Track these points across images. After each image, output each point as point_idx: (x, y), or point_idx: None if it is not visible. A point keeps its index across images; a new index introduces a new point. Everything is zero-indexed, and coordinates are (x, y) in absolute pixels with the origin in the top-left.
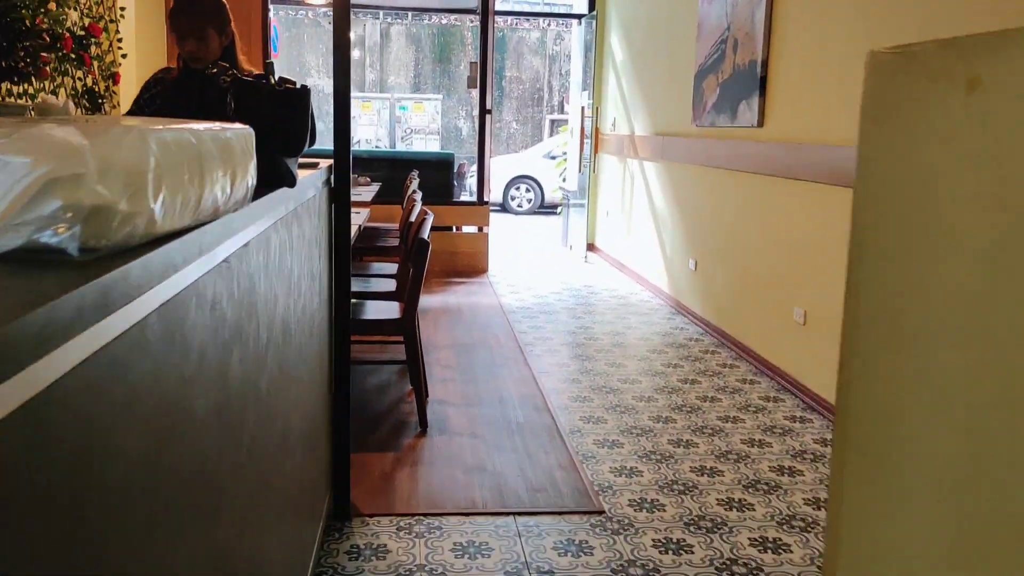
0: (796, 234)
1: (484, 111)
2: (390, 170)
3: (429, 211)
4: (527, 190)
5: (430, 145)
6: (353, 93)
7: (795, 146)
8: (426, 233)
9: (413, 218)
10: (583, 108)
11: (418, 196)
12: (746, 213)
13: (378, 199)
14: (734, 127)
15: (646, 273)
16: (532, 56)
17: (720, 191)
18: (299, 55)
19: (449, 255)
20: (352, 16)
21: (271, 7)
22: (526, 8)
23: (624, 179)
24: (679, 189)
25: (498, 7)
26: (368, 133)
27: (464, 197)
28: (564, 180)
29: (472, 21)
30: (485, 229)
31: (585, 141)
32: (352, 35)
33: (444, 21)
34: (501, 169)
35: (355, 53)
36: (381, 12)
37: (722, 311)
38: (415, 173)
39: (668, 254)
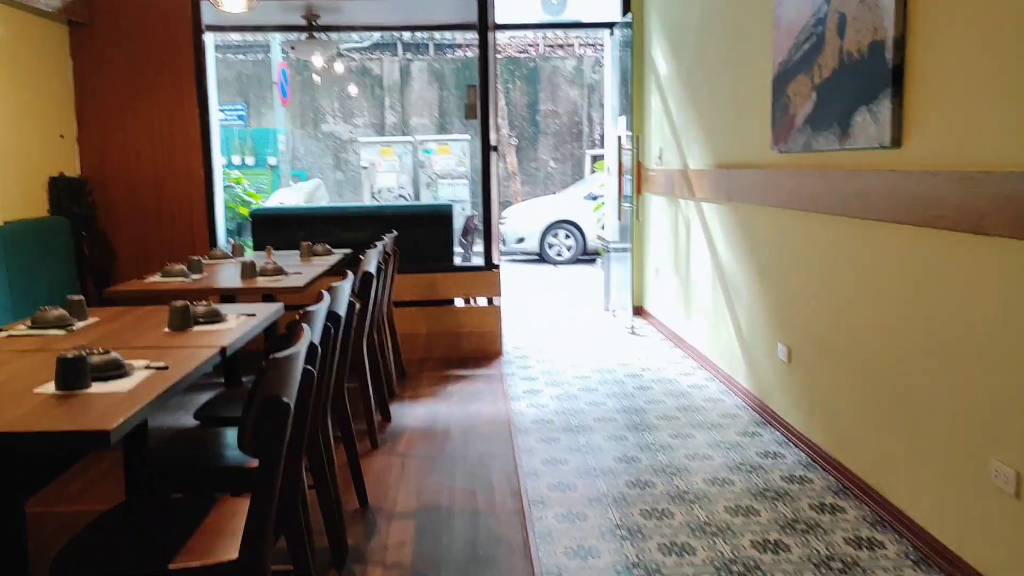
0: (974, 322)
1: (487, 147)
2: (368, 229)
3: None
4: (567, 236)
5: (458, 192)
6: (372, 137)
7: (965, 176)
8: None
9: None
10: (619, 139)
11: (376, 262)
12: (874, 284)
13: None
14: (845, 149)
15: (713, 355)
16: (568, 87)
17: (824, 247)
18: (312, 100)
19: (451, 338)
20: (367, 55)
21: (208, 39)
22: (542, 18)
23: (677, 226)
24: (756, 242)
25: (511, 19)
26: (389, 181)
27: (475, 261)
28: (603, 227)
29: (500, 51)
30: (496, 301)
31: (624, 179)
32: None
33: (469, 54)
34: (537, 213)
35: (371, 94)
36: (400, 48)
37: (838, 433)
38: (386, 240)
39: (745, 335)
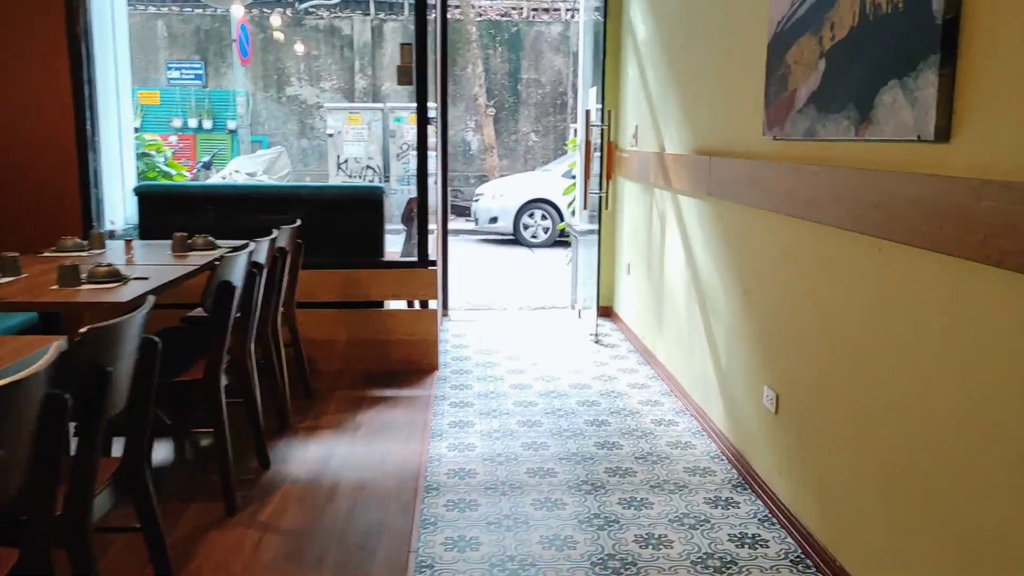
0: None
1: (423, 120)
2: (282, 213)
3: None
4: (543, 217)
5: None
6: (339, 103)
7: None
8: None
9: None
10: (587, 113)
11: (266, 248)
12: (898, 331)
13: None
14: (864, 140)
15: (685, 381)
16: (553, 54)
17: (830, 270)
18: (276, 61)
19: (376, 347)
20: (334, 13)
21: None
22: None
23: (651, 219)
24: (740, 253)
25: None
26: (356, 151)
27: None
28: (572, 213)
29: (481, 14)
30: (432, 303)
31: (592, 160)
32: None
33: (450, 16)
34: (512, 191)
35: (340, 55)
36: (372, 6)
37: (833, 519)
38: (281, 231)
39: (724, 366)
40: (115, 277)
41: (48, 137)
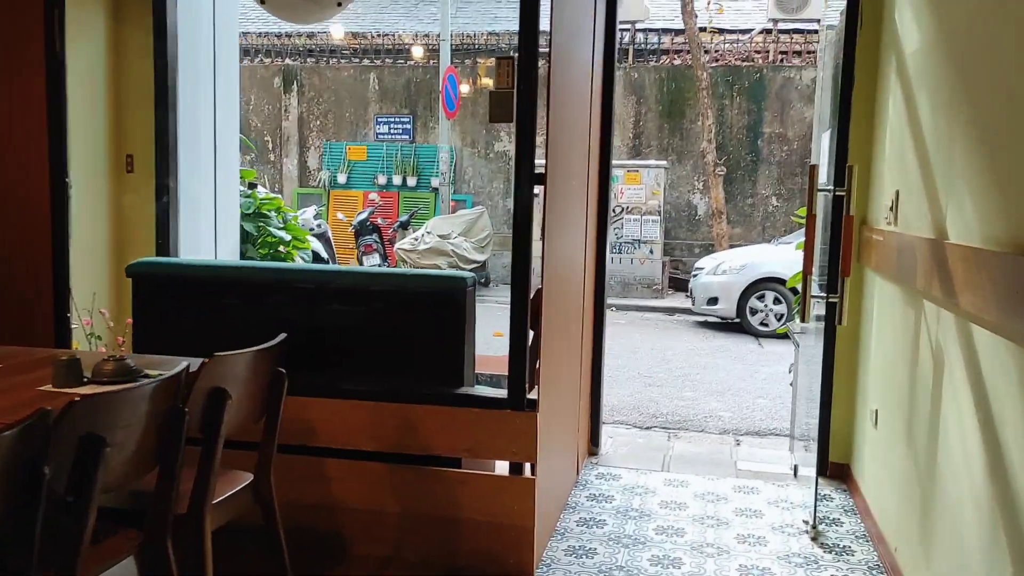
0: None
1: (530, 178)
2: (307, 307)
3: None
4: (776, 300)
5: (647, 231)
6: None
7: None
8: None
9: None
10: (814, 170)
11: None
12: None
13: None
14: None
15: None
16: (802, 105)
17: None
18: (485, 114)
19: (442, 528)
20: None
21: None
22: (775, 16)
23: (917, 348)
24: None
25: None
26: None
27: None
28: (795, 313)
29: (718, 59)
30: (528, 470)
31: (817, 238)
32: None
33: (676, 62)
34: (739, 266)
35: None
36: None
37: None
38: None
39: None
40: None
41: (20, 195)
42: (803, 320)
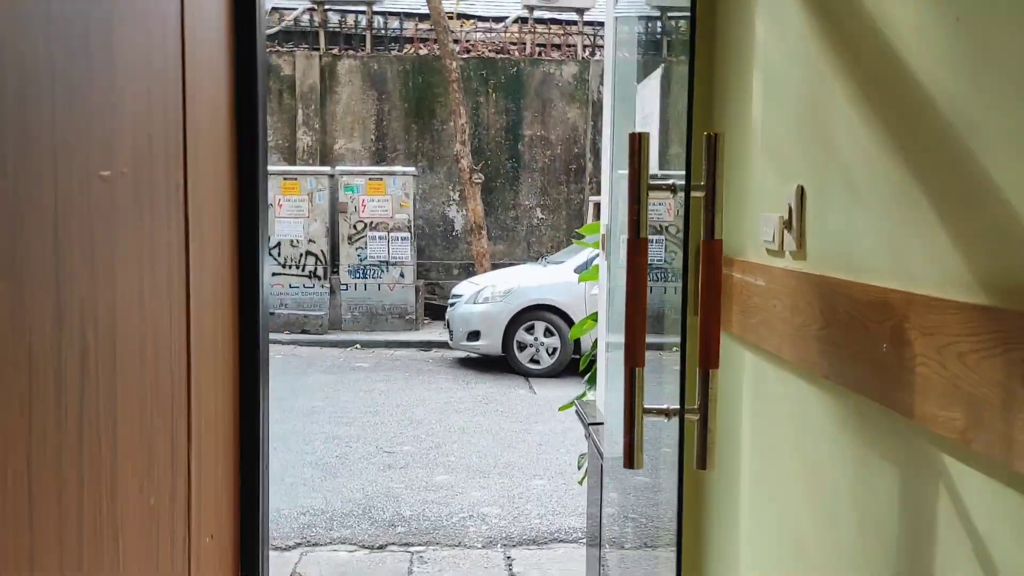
0: None
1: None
2: None
3: None
4: (547, 332)
5: (396, 250)
6: (273, 165)
7: None
8: None
9: None
10: (639, 139)
11: None
12: None
13: None
14: None
15: None
16: (566, 104)
17: None
18: None
19: None
20: (273, 47)
21: None
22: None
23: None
24: None
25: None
26: (293, 230)
27: None
28: (590, 383)
29: (470, 50)
30: None
31: (643, 284)
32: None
33: (423, 51)
34: (504, 291)
35: (278, 103)
36: (322, 41)
37: None
38: None
39: None
40: None
41: None
42: (632, 466)
